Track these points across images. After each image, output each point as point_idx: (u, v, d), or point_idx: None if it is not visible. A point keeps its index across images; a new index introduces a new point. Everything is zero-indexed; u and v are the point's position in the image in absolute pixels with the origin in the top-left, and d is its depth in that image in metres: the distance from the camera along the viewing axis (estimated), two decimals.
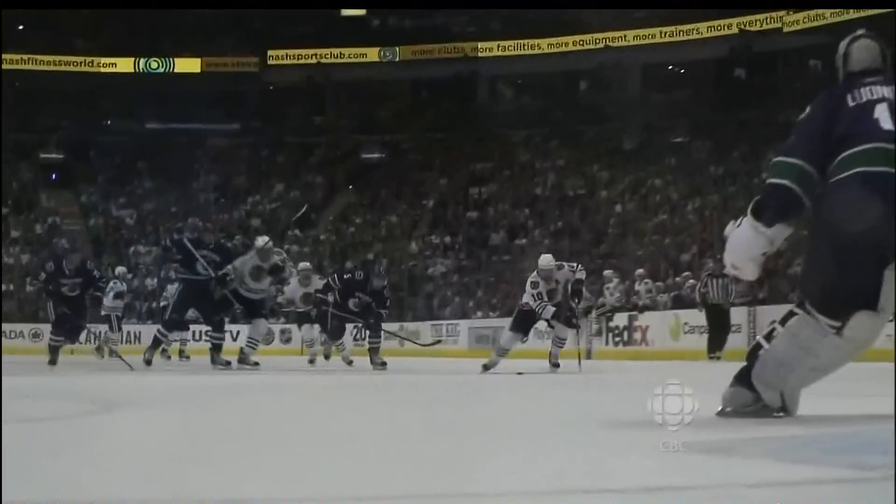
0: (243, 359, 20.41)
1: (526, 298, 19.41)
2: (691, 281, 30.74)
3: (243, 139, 62.31)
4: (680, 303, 30.29)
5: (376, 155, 61.09)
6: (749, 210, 6.77)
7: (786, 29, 53.52)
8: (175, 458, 5.12)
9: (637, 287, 31.43)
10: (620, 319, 30.57)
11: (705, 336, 26.82)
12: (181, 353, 27.27)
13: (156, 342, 21.48)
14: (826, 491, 3.98)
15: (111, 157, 60.81)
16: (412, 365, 21.32)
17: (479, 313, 41.11)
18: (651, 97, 56.05)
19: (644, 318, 29.47)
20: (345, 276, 22.49)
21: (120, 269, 34.20)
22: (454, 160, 58.54)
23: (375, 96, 63.06)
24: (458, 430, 6.90)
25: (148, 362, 20.16)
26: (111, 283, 29.73)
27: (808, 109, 6.93)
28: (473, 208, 54.56)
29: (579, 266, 20.13)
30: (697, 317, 27.51)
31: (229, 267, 20.18)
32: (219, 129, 62.07)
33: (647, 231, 45.28)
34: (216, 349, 20.42)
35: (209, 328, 21.39)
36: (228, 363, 20.11)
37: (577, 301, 19.89)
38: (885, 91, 6.67)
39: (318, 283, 24.49)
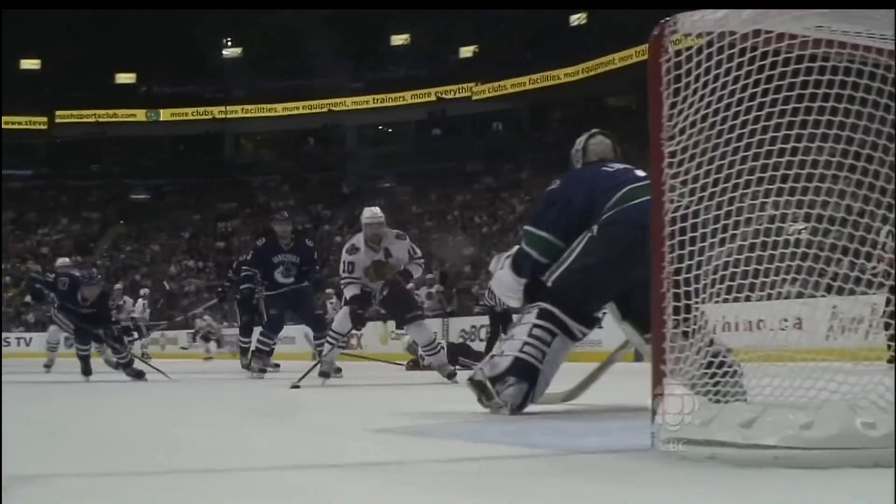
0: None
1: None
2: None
3: (34, 182, 61.08)
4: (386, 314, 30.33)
5: (142, 196, 60.90)
6: (510, 264, 6.56)
7: (474, 97, 54.37)
8: None
9: None
10: None
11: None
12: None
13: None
14: (502, 464, 4.09)
15: None
16: (173, 367, 20.21)
17: (226, 323, 40.51)
18: (364, 151, 56.29)
19: None
20: (258, 246, 15.54)
21: (144, 290, 34.26)
22: (205, 200, 58.35)
23: (142, 149, 62.13)
24: (229, 420, 6.87)
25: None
26: (139, 300, 30.35)
27: (558, 182, 6.63)
28: (220, 239, 54.70)
29: (418, 255, 12.30)
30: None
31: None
32: (15, 174, 60.26)
33: None
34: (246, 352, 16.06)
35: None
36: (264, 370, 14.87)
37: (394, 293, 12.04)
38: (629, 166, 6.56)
39: None
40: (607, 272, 6.11)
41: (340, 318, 12.07)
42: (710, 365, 4.10)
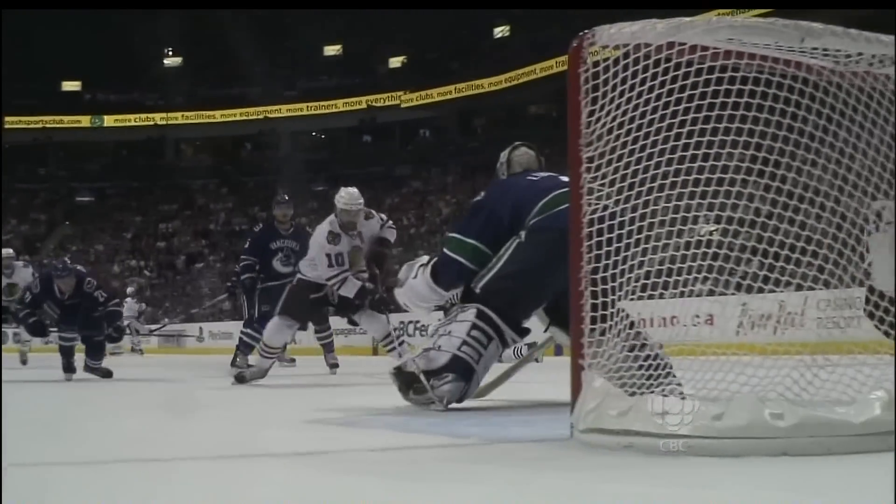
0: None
1: (308, 268, 10.32)
2: None
3: None
4: None
5: (87, 198, 60.27)
6: (429, 271, 6.29)
7: (403, 105, 54.36)
8: None
9: None
10: None
11: (349, 338, 26.47)
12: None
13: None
14: (430, 452, 4.12)
15: None
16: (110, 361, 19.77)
17: (167, 319, 40.27)
18: (298, 156, 56.12)
19: None
20: (255, 232, 14.25)
21: (130, 289, 33.38)
22: (147, 202, 57.90)
23: (87, 153, 61.51)
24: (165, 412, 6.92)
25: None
26: (127, 299, 29.08)
27: (483, 194, 6.43)
28: (162, 239, 54.26)
29: (389, 221, 10.90)
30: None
31: None
32: None
33: None
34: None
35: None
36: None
37: (378, 272, 10.27)
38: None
39: (24, 272, 16.38)
40: (536, 277, 5.88)
41: (272, 331, 10.14)
42: (626, 359, 4.11)
